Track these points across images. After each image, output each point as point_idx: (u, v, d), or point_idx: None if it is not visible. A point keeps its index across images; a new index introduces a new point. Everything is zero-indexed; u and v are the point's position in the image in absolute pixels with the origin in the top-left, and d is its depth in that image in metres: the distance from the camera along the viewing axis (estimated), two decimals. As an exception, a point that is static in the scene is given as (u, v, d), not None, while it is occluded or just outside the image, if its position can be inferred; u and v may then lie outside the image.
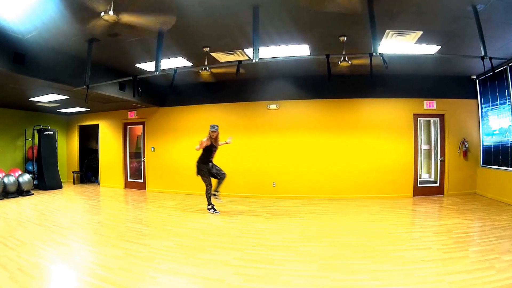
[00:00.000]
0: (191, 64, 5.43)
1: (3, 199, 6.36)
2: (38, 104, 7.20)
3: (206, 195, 5.22)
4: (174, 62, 5.29)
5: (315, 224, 4.44)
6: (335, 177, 6.52)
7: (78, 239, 3.72)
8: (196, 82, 7.00)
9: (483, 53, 3.54)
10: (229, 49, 4.82)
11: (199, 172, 5.16)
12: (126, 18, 3.47)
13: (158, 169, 7.83)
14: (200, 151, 5.10)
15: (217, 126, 5.08)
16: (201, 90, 7.24)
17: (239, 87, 6.87)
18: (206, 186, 5.16)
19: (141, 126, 8.16)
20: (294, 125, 6.74)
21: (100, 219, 4.81)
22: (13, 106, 7.64)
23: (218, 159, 7.09)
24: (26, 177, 7.00)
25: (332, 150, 6.57)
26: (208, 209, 5.22)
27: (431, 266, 2.72)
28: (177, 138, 7.60)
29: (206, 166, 5.10)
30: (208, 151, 5.07)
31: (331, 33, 4.22)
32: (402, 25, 3.94)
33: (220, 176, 5.21)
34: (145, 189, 7.93)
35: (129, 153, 8.40)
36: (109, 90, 5.84)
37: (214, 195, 5.19)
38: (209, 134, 5.03)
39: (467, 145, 6.40)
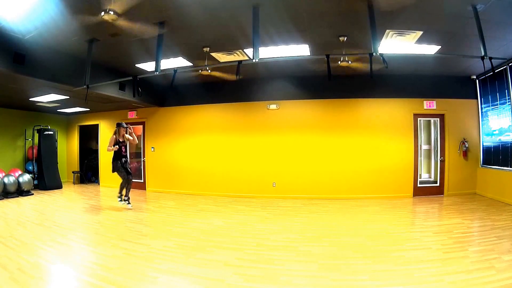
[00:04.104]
0: (191, 64, 5.43)
1: (3, 199, 6.36)
2: (38, 104, 7.20)
3: (120, 186, 5.58)
4: (174, 62, 5.29)
5: (315, 224, 4.44)
6: (335, 177, 6.52)
7: (78, 239, 3.72)
8: (196, 82, 7.00)
9: (483, 53, 3.54)
10: (229, 49, 4.82)
11: (114, 169, 5.50)
12: (126, 17, 3.47)
13: (158, 169, 7.83)
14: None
15: (123, 123, 5.55)
16: (201, 90, 7.24)
17: (239, 87, 6.86)
18: (122, 179, 5.54)
19: (141, 126, 8.16)
20: (294, 125, 6.74)
21: (100, 219, 4.81)
22: (13, 106, 7.64)
23: (219, 159, 7.14)
24: (26, 177, 7.00)
25: (332, 150, 6.57)
26: (118, 197, 5.61)
27: (431, 266, 2.72)
28: (177, 138, 7.60)
29: (119, 162, 5.46)
30: (118, 147, 5.44)
31: (331, 33, 4.22)
32: (402, 25, 3.94)
33: (129, 177, 5.59)
34: (145, 189, 7.93)
35: (129, 153, 8.39)
36: (109, 90, 5.84)
37: (125, 200, 5.60)
38: (115, 130, 5.49)
39: (467, 145, 6.40)
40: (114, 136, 5.43)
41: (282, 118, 6.82)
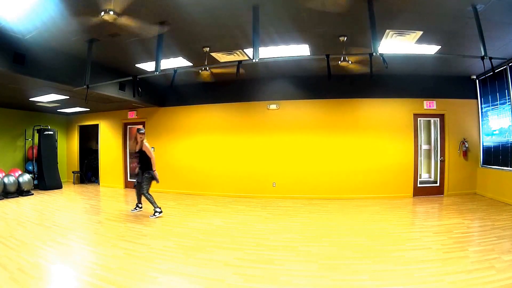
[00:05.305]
0: (191, 64, 5.43)
1: (3, 199, 6.36)
2: (38, 104, 7.20)
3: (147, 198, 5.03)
4: (174, 62, 5.29)
5: (315, 224, 4.44)
6: (335, 177, 6.51)
7: (78, 239, 3.72)
8: (196, 82, 7.00)
9: (483, 53, 3.54)
10: (229, 49, 4.82)
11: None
12: (126, 17, 3.47)
13: (158, 169, 7.78)
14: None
15: (140, 129, 5.16)
16: (201, 90, 7.24)
17: (239, 87, 6.87)
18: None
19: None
20: (294, 125, 6.74)
21: (100, 219, 4.81)
22: (13, 106, 7.64)
23: (219, 159, 7.13)
24: (26, 177, 7.00)
25: (332, 150, 6.57)
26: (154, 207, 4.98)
27: (431, 266, 2.72)
28: (177, 138, 7.60)
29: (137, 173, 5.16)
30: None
31: (331, 33, 4.22)
32: (402, 25, 3.94)
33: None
34: (145, 189, 7.92)
35: (129, 153, 8.39)
36: (109, 90, 5.84)
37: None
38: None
39: (467, 145, 6.40)
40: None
41: (282, 118, 6.81)
